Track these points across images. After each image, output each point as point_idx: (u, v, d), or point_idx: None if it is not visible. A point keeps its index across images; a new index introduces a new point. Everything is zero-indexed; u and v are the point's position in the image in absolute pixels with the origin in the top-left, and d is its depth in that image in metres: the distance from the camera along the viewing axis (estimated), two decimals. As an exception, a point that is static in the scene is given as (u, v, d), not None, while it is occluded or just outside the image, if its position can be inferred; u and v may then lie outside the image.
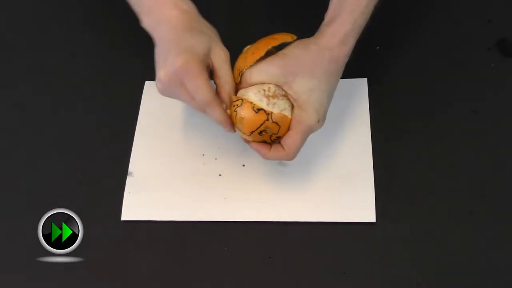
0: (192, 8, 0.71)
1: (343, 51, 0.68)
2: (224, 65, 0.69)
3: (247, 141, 0.71)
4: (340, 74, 0.70)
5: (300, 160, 0.77)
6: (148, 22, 0.70)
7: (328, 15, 0.70)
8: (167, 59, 0.66)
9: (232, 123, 0.70)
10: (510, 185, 0.73)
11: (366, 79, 0.82)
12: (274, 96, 0.67)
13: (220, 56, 0.69)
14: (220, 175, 0.78)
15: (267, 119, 0.67)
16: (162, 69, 0.67)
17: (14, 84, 0.89)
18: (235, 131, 0.70)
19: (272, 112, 0.67)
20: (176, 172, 0.78)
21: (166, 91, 0.69)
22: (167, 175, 0.78)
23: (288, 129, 0.68)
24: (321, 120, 0.69)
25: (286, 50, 0.69)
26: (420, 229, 0.72)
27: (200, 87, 0.66)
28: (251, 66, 0.68)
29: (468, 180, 0.74)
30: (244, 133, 0.69)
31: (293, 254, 0.73)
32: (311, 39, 0.69)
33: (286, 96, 0.68)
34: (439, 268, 0.70)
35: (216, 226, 0.75)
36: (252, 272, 0.72)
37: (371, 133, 0.78)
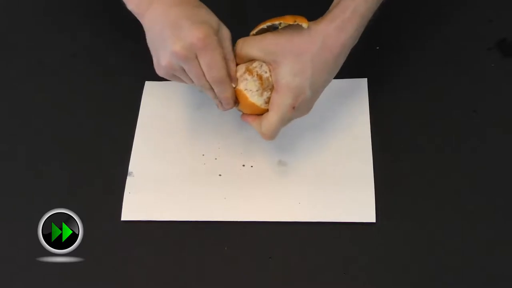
0: None
1: (340, 39, 0.65)
2: (229, 42, 0.68)
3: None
4: (336, 64, 0.68)
5: (300, 160, 0.77)
6: (137, 3, 0.68)
7: (332, 4, 0.68)
8: (181, 32, 0.64)
9: (236, 101, 0.70)
10: (510, 185, 0.73)
11: (366, 79, 0.82)
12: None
13: (227, 34, 0.68)
14: (220, 175, 0.78)
15: None
16: (178, 42, 0.64)
17: (14, 84, 0.89)
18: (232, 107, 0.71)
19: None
20: (176, 172, 0.78)
21: (172, 68, 0.67)
22: (167, 175, 0.78)
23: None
24: (300, 107, 0.67)
25: (282, 30, 0.67)
26: (420, 229, 0.72)
27: (218, 61, 0.65)
28: (244, 38, 0.68)
29: (468, 180, 0.74)
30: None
31: (293, 254, 0.73)
32: (310, 24, 0.67)
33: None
34: (439, 268, 0.70)
35: (216, 226, 0.75)
36: (252, 272, 0.72)
37: (371, 133, 0.78)
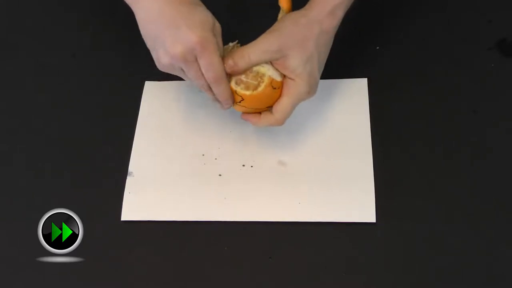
0: None
1: (332, 23, 0.70)
2: (220, 38, 0.69)
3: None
4: (330, 44, 0.71)
5: (300, 160, 0.77)
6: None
7: None
8: (180, 34, 0.65)
9: (234, 99, 0.70)
10: (510, 185, 0.73)
11: (366, 79, 0.82)
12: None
13: (219, 30, 0.69)
14: (220, 175, 0.78)
15: None
16: (177, 44, 0.65)
17: (15, 84, 0.89)
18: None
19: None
20: (176, 172, 0.78)
21: (172, 68, 0.68)
22: (167, 175, 0.78)
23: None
24: (312, 91, 0.70)
25: (276, 26, 0.69)
26: (420, 229, 0.72)
27: (215, 63, 0.66)
28: (245, 46, 0.69)
29: (468, 180, 0.74)
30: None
31: (293, 254, 0.73)
32: (301, 12, 0.70)
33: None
34: (439, 268, 0.70)
35: (216, 226, 0.75)
36: (252, 272, 0.72)
37: (371, 133, 0.78)
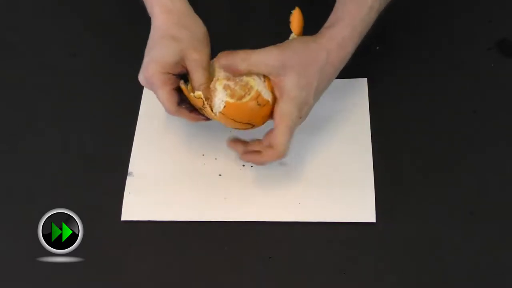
0: (176, 6, 0.72)
1: (340, 55, 0.69)
2: (198, 68, 0.70)
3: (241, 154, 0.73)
4: (334, 77, 0.70)
5: (300, 160, 0.77)
6: (148, 10, 0.74)
7: (330, 20, 0.70)
8: (144, 63, 0.71)
9: (205, 118, 0.72)
10: (510, 185, 0.73)
11: (366, 79, 0.82)
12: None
13: (194, 61, 0.70)
14: (220, 175, 0.78)
15: None
16: (140, 74, 0.71)
17: (14, 84, 0.89)
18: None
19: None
20: (176, 172, 0.78)
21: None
22: (167, 175, 0.78)
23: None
24: (303, 117, 0.69)
25: (286, 44, 0.68)
26: (420, 229, 0.72)
27: (163, 98, 0.69)
28: (250, 51, 0.67)
29: (468, 180, 0.74)
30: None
31: (293, 254, 0.73)
32: (312, 37, 0.69)
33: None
34: (439, 268, 0.70)
35: (216, 226, 0.75)
36: (252, 272, 0.72)
37: (371, 133, 0.78)
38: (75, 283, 0.74)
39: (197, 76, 0.70)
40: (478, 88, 0.81)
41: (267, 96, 0.67)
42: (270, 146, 0.68)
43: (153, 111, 0.83)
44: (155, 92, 0.70)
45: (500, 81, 0.81)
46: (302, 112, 0.68)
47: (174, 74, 0.70)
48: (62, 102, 0.86)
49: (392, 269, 0.70)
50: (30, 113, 0.86)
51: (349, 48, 0.69)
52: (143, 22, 0.74)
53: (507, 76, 0.81)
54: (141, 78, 0.71)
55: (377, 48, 0.84)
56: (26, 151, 0.83)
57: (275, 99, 0.68)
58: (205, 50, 0.72)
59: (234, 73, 0.68)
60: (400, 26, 0.86)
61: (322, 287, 0.71)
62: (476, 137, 0.77)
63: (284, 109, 0.67)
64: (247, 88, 0.67)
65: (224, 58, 0.67)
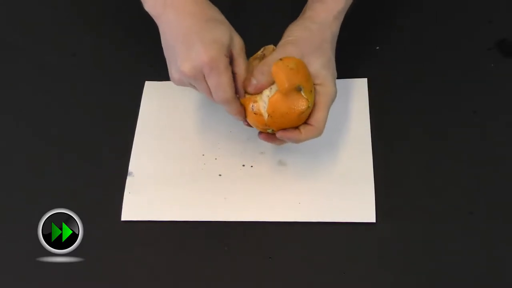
0: None
1: (336, 26, 0.72)
2: (243, 54, 0.69)
3: (266, 136, 0.71)
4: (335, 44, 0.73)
5: (300, 160, 0.77)
6: (152, 4, 0.69)
7: None
8: (191, 52, 0.65)
9: (245, 115, 0.70)
10: (510, 185, 0.73)
11: (366, 79, 0.82)
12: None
13: (239, 46, 0.68)
14: (220, 175, 0.78)
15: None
16: (187, 62, 0.65)
17: (14, 84, 0.89)
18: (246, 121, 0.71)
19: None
20: (176, 172, 0.78)
21: (183, 83, 0.69)
22: (167, 175, 0.78)
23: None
24: (336, 90, 0.70)
25: (291, 37, 0.70)
26: (420, 229, 0.72)
27: (224, 84, 0.66)
28: (263, 63, 0.68)
29: (468, 180, 0.74)
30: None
31: (293, 254, 0.73)
32: (305, 19, 0.71)
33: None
34: (439, 268, 0.70)
35: (216, 226, 0.75)
36: (252, 272, 0.72)
37: (371, 133, 0.78)
38: (75, 283, 0.74)
39: (243, 60, 0.68)
40: (478, 88, 0.81)
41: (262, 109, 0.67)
42: (308, 124, 0.69)
43: (153, 111, 0.83)
44: (212, 80, 0.66)
45: (500, 81, 0.81)
46: (336, 86, 0.70)
47: None
48: (62, 102, 0.86)
49: (392, 269, 0.70)
50: (30, 113, 0.86)
51: (342, 18, 0.73)
52: (143, 22, 0.74)
53: (507, 76, 0.81)
54: (191, 67, 0.65)
55: (377, 48, 0.84)
56: (26, 151, 0.83)
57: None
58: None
59: (264, 88, 0.68)
60: (400, 26, 0.86)
61: (322, 287, 0.71)
62: (476, 137, 0.77)
63: (322, 91, 0.68)
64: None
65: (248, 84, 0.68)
